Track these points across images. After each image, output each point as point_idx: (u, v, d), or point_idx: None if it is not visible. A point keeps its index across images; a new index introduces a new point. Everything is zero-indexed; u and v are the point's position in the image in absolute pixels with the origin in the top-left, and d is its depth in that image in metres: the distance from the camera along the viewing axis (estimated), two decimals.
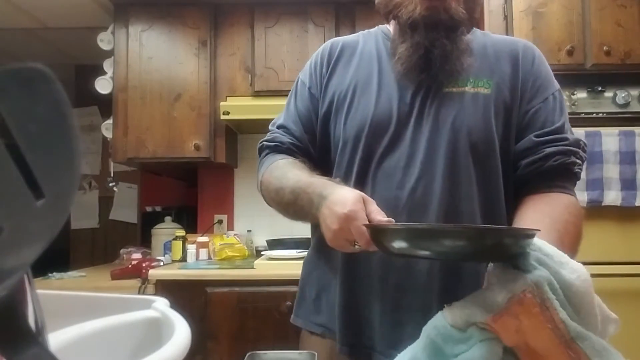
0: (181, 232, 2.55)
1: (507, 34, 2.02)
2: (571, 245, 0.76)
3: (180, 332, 0.44)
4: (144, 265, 2.16)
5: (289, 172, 0.88)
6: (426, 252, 0.60)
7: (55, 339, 0.42)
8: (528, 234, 0.58)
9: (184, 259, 2.44)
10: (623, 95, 1.97)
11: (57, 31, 2.90)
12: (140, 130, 2.44)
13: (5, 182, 0.23)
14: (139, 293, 2.00)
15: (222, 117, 2.34)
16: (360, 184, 0.85)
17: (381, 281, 0.84)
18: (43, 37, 3.03)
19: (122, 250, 2.71)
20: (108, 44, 2.51)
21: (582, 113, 1.98)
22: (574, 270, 0.57)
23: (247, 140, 2.76)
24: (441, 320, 0.59)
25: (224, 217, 2.77)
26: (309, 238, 1.02)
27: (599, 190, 1.87)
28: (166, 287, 2.04)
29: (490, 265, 0.64)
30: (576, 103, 1.98)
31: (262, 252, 2.44)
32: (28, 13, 2.64)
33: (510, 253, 0.58)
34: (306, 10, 2.47)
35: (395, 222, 0.72)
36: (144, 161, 2.50)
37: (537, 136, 0.86)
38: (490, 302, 0.56)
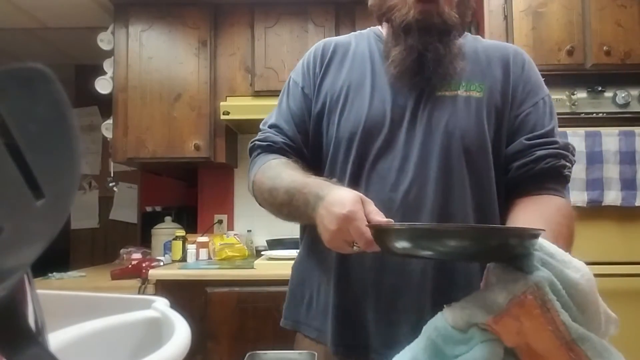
0: (181, 232, 2.55)
1: (507, 34, 2.02)
2: (565, 247, 0.76)
3: (180, 332, 0.44)
4: (144, 265, 2.16)
5: (282, 172, 0.87)
6: (431, 252, 0.59)
7: (55, 339, 0.41)
8: (533, 234, 0.58)
9: (184, 259, 2.44)
10: (623, 95, 1.97)
11: (57, 31, 2.90)
12: (140, 130, 2.44)
13: (5, 182, 0.23)
14: (139, 293, 2.00)
15: (222, 117, 2.34)
16: (353, 186, 0.84)
17: (375, 282, 0.85)
18: (43, 37, 3.03)
19: (122, 250, 2.71)
20: (108, 44, 2.51)
21: (582, 113, 1.98)
22: (578, 269, 0.57)
23: (247, 140, 2.73)
24: (442, 321, 0.59)
25: (224, 217, 2.77)
26: None
27: (599, 190, 1.87)
28: (166, 287, 2.04)
29: (491, 265, 0.64)
30: (576, 103, 1.98)
31: (262, 252, 2.44)
32: (28, 13, 2.64)
33: (514, 253, 0.58)
34: (306, 10, 2.47)
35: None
36: (144, 161, 2.50)
37: (527, 139, 0.87)
38: (491, 303, 0.56)
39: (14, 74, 0.23)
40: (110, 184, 2.70)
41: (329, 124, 0.93)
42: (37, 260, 0.26)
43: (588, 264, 0.58)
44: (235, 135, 2.71)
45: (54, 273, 2.25)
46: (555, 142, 0.87)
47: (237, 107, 2.36)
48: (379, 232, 0.64)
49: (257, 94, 2.43)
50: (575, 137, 1.87)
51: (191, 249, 2.42)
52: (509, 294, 0.55)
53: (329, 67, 0.96)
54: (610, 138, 1.88)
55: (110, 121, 2.48)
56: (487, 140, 0.87)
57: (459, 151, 0.85)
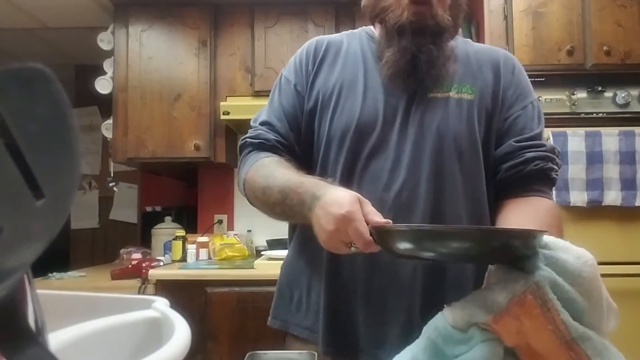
0: (181, 232, 2.55)
1: (507, 34, 2.02)
2: None
3: (180, 332, 0.44)
4: (144, 265, 2.16)
5: (275, 170, 0.86)
6: (434, 254, 0.60)
7: (55, 339, 0.41)
8: (536, 236, 0.58)
9: (184, 259, 2.44)
10: (623, 95, 1.97)
11: (57, 31, 2.90)
12: (140, 130, 2.44)
13: (5, 182, 0.23)
14: (139, 293, 2.00)
15: (222, 117, 2.34)
16: (345, 185, 0.83)
17: (366, 282, 0.85)
18: (43, 37, 3.02)
19: (122, 250, 2.71)
20: (108, 44, 2.51)
21: (582, 113, 1.98)
22: (580, 256, 0.57)
23: None
24: (442, 321, 0.59)
25: (224, 217, 2.77)
26: None
27: (599, 190, 1.87)
28: (166, 287, 2.04)
29: (492, 266, 0.64)
30: (576, 103, 1.98)
31: (262, 252, 2.44)
32: (28, 13, 2.64)
33: (517, 255, 0.58)
34: (306, 10, 2.47)
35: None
36: (144, 161, 2.50)
37: (517, 141, 0.88)
38: (491, 302, 0.56)
39: (14, 74, 0.23)
40: (110, 184, 2.70)
41: (321, 122, 0.93)
42: (37, 260, 0.26)
43: None
44: (235, 135, 2.71)
45: (54, 273, 2.25)
46: (543, 145, 0.89)
47: (237, 107, 2.36)
48: (382, 233, 0.64)
49: (257, 94, 2.43)
50: (575, 137, 1.87)
51: (191, 249, 2.42)
52: (509, 293, 0.55)
53: (321, 65, 0.96)
54: (610, 138, 1.88)
55: (110, 121, 2.48)
56: (478, 142, 0.88)
57: (451, 153, 0.86)
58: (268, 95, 1.03)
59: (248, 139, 0.96)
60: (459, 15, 0.92)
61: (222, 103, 2.38)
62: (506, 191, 0.88)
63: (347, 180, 0.86)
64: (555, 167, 0.88)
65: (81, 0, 2.51)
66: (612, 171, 1.87)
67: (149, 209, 3.21)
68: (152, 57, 2.47)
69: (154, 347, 0.39)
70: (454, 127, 0.87)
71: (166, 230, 2.66)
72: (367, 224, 0.67)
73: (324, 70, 0.95)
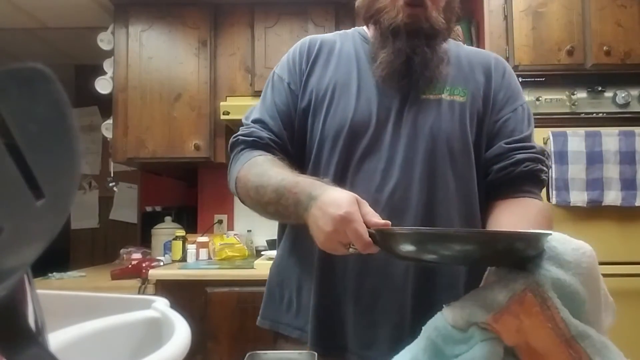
0: (181, 232, 2.55)
1: (507, 34, 2.02)
2: None
3: (180, 332, 0.44)
4: (144, 265, 2.16)
5: (269, 169, 0.85)
6: (436, 256, 0.60)
7: (55, 339, 0.41)
8: (540, 239, 0.58)
9: (184, 259, 2.44)
10: (623, 95, 1.97)
11: (57, 31, 2.90)
12: (140, 130, 2.44)
13: (5, 182, 0.23)
14: (139, 293, 2.00)
15: (222, 117, 2.34)
16: (338, 185, 0.82)
17: (357, 282, 0.85)
18: (43, 37, 3.02)
19: (122, 250, 2.71)
20: (108, 44, 2.51)
21: (582, 113, 1.98)
22: (579, 247, 0.58)
23: None
24: (441, 321, 0.59)
25: (224, 217, 2.77)
26: None
27: (599, 190, 1.87)
28: (166, 287, 2.04)
29: (492, 268, 0.64)
30: (576, 103, 1.97)
31: (262, 252, 2.44)
32: (28, 13, 2.64)
33: (519, 258, 0.59)
34: (306, 10, 2.47)
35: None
36: (144, 161, 2.50)
37: (507, 143, 0.90)
38: (491, 301, 0.56)
39: (14, 74, 0.23)
40: (110, 184, 2.70)
41: (314, 121, 0.92)
42: (37, 260, 0.26)
43: None
44: None
45: (54, 273, 2.25)
46: (533, 147, 0.90)
47: (237, 107, 2.36)
48: (386, 235, 0.64)
49: (257, 94, 2.42)
50: (575, 137, 1.87)
51: (191, 249, 2.42)
52: (509, 291, 0.55)
53: (315, 64, 0.95)
54: (610, 138, 1.88)
55: (110, 121, 2.48)
56: (470, 144, 0.89)
57: (443, 154, 0.87)
58: None
59: (240, 137, 0.94)
60: (452, 19, 0.93)
61: (222, 103, 2.38)
62: (497, 192, 0.89)
63: (340, 181, 0.86)
64: (544, 168, 0.89)
65: (81, 0, 2.51)
66: (612, 171, 1.87)
67: (149, 209, 3.21)
68: (152, 57, 2.47)
69: (154, 347, 0.39)
70: (447, 128, 0.87)
71: (166, 230, 2.66)
72: (365, 225, 0.67)
73: (318, 69, 0.95)
